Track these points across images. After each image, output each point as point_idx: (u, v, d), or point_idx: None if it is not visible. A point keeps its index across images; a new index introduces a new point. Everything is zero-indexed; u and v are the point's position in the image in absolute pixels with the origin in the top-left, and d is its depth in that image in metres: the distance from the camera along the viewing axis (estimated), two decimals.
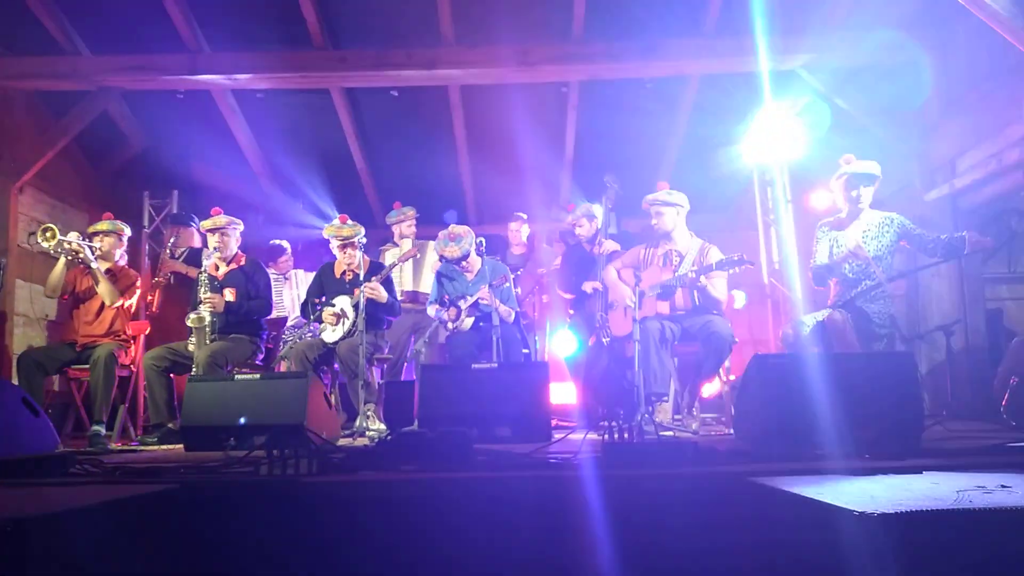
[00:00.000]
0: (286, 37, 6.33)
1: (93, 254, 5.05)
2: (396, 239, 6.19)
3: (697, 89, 6.95)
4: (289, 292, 6.61)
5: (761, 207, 7.64)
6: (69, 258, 5.00)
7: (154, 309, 5.79)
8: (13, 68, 6.28)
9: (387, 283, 5.23)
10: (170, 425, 4.78)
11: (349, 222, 5.20)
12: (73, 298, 5.15)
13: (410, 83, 6.63)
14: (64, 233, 4.98)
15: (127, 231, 5.37)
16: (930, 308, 6.02)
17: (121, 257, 5.32)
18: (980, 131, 5.41)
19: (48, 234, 4.89)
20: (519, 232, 6.76)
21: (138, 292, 5.30)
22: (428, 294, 5.81)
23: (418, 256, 5.74)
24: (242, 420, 3.70)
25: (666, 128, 7.52)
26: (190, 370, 4.83)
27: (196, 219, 6.61)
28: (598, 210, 5.56)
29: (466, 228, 5.31)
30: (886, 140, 6.34)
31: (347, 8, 6.28)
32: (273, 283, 6.56)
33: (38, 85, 6.53)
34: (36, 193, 6.68)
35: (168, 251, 6.31)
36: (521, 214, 6.83)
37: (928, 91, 6.05)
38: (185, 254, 6.33)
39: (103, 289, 4.99)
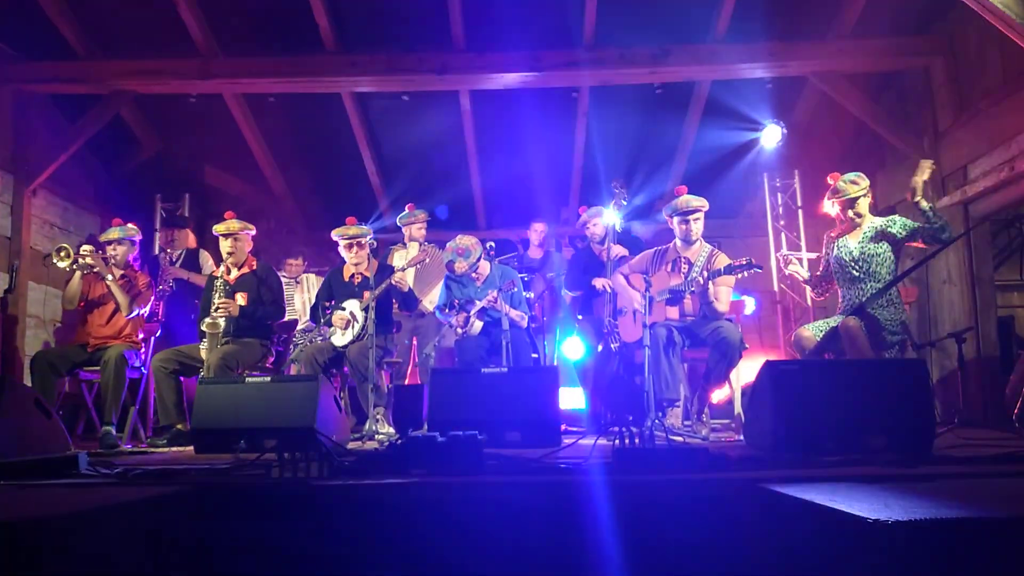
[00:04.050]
0: (298, 42, 6.37)
1: (107, 264, 5.09)
2: (405, 240, 6.20)
3: (707, 94, 6.95)
4: (300, 296, 6.64)
5: (771, 212, 7.63)
6: (85, 272, 5.03)
7: (160, 317, 5.81)
8: (28, 72, 6.35)
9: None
10: (179, 426, 4.80)
11: (357, 224, 5.24)
12: (87, 303, 5.18)
13: (421, 88, 6.66)
14: (76, 248, 5.01)
15: (138, 234, 5.38)
16: (942, 315, 6.00)
17: (135, 259, 5.35)
18: (992, 138, 5.39)
19: (63, 253, 4.94)
20: (541, 234, 6.82)
21: (152, 297, 5.33)
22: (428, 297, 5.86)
23: (427, 261, 5.75)
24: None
25: (676, 133, 7.52)
26: (199, 372, 4.86)
27: (190, 220, 6.66)
28: (608, 214, 5.56)
29: (473, 240, 5.32)
30: (897, 147, 6.32)
31: (359, 13, 6.31)
32: (284, 286, 6.61)
33: (52, 89, 6.59)
34: (49, 196, 6.73)
35: (167, 257, 6.32)
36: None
37: (940, 97, 6.03)
38: (183, 256, 6.36)
39: (119, 301, 5.02)
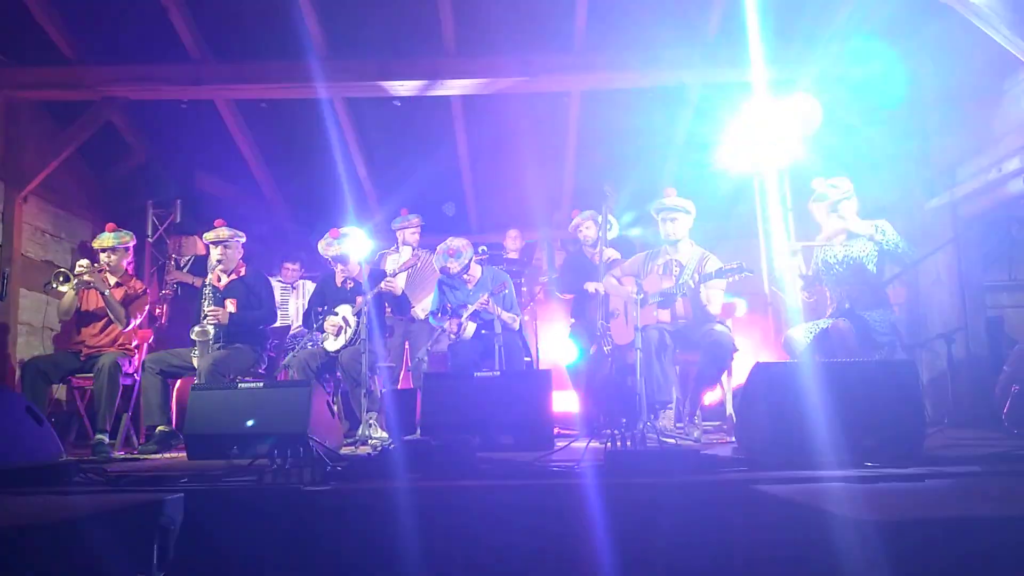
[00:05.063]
0: (289, 48, 6.36)
1: (102, 273, 5.09)
2: (399, 245, 6.21)
3: (697, 98, 6.98)
4: (295, 301, 6.64)
5: (762, 215, 7.65)
6: (82, 287, 5.02)
7: (163, 322, 5.82)
8: (18, 78, 6.32)
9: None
10: (161, 427, 4.80)
11: (339, 237, 5.20)
12: (82, 314, 5.15)
13: (412, 93, 6.66)
14: (72, 267, 5.01)
15: (132, 240, 5.36)
16: (931, 316, 6.02)
17: (129, 265, 5.34)
18: (980, 139, 5.43)
19: (61, 278, 4.96)
20: (516, 240, 6.96)
21: (148, 305, 5.32)
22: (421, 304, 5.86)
23: (418, 265, 5.76)
24: (249, 423, 3.71)
25: (666, 137, 7.54)
26: (187, 375, 4.85)
27: (199, 226, 6.66)
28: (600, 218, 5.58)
29: (464, 241, 5.34)
30: (887, 148, 6.35)
31: (350, 19, 6.31)
32: (279, 292, 6.63)
33: (43, 95, 6.57)
34: (40, 203, 6.70)
35: (173, 261, 6.34)
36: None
37: (928, 99, 6.07)
38: (191, 263, 6.36)
39: (115, 314, 5.02)
